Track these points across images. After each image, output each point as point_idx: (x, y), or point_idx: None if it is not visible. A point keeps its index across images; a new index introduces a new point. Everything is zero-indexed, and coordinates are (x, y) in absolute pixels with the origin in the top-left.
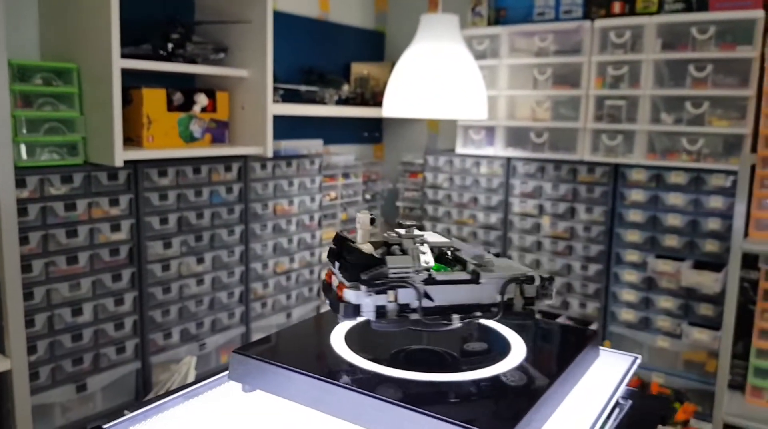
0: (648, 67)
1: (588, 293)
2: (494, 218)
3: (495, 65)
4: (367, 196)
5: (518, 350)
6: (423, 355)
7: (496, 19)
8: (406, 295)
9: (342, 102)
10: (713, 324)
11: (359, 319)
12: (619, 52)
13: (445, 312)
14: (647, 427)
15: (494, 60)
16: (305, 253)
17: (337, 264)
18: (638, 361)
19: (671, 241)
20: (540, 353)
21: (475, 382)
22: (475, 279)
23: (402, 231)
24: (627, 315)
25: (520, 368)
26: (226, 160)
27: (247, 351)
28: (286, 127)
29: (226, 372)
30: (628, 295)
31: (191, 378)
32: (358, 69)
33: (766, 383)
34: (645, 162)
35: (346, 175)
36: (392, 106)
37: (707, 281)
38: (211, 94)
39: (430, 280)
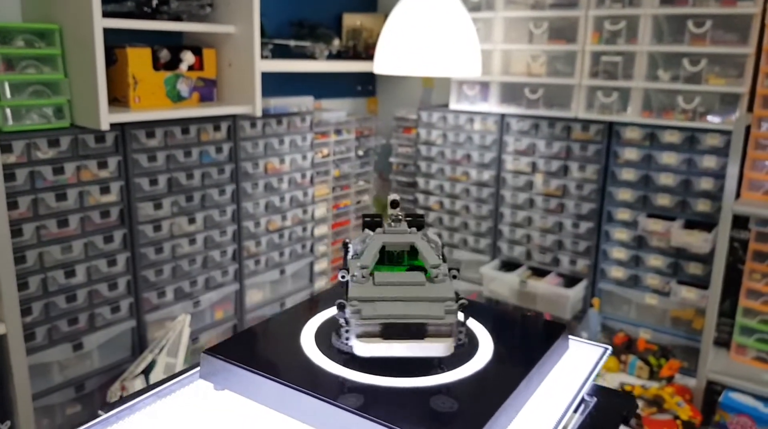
0: (646, 22)
1: (579, 251)
2: (487, 175)
3: (490, 18)
4: (360, 152)
5: (486, 349)
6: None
7: None
8: None
9: (334, 56)
10: (702, 283)
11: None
12: (616, 6)
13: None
14: (609, 426)
15: (489, 12)
16: (298, 210)
17: None
18: (608, 353)
19: (663, 200)
20: (507, 353)
21: (437, 390)
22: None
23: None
24: (617, 272)
25: (485, 372)
26: (215, 120)
27: (215, 352)
28: (275, 84)
29: (198, 369)
30: (619, 253)
31: (186, 335)
32: (351, 20)
33: (750, 341)
34: (640, 120)
35: (338, 132)
36: (384, 64)
37: (697, 241)
38: (197, 52)
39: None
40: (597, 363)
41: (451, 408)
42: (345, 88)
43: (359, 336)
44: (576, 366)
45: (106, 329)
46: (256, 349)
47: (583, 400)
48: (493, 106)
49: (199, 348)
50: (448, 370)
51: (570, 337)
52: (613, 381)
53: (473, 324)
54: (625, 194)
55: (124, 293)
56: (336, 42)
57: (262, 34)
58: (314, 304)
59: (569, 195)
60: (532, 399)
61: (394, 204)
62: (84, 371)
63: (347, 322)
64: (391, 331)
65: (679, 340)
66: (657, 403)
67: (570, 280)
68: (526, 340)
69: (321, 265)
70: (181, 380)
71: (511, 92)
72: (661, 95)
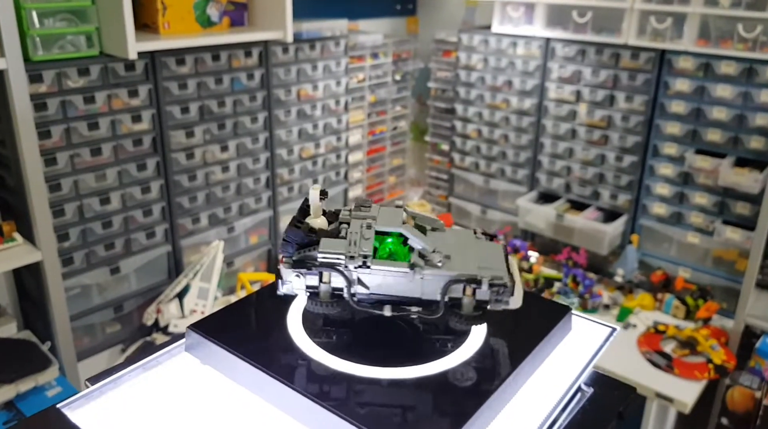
0: None
1: (620, 185)
2: (528, 103)
3: None
4: (397, 77)
5: (478, 335)
6: (385, 336)
7: None
8: (338, 280)
9: None
10: (748, 224)
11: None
12: None
13: (379, 302)
14: (602, 422)
15: None
16: (331, 137)
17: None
18: (615, 335)
19: (714, 135)
20: (501, 340)
21: (422, 381)
22: (409, 272)
23: (353, 211)
24: (659, 209)
25: (475, 360)
26: (246, 46)
27: (199, 328)
28: (308, 4)
29: (184, 341)
30: (662, 189)
31: (219, 261)
32: None
33: None
34: (694, 49)
35: (374, 56)
36: None
37: (747, 181)
38: None
39: (363, 267)
40: (600, 347)
41: (428, 405)
42: (383, 6)
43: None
44: (577, 349)
45: (142, 254)
46: (239, 326)
47: (579, 390)
48: (537, 29)
49: (234, 272)
50: (435, 359)
51: (576, 313)
52: (647, 319)
53: None
54: (673, 128)
55: (158, 219)
56: None
57: None
58: None
59: (614, 127)
60: (524, 386)
61: (323, 195)
62: (122, 293)
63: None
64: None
65: (719, 281)
66: (690, 344)
67: (609, 215)
68: (524, 325)
69: (355, 192)
70: (170, 350)
71: (557, 15)
72: (720, 22)
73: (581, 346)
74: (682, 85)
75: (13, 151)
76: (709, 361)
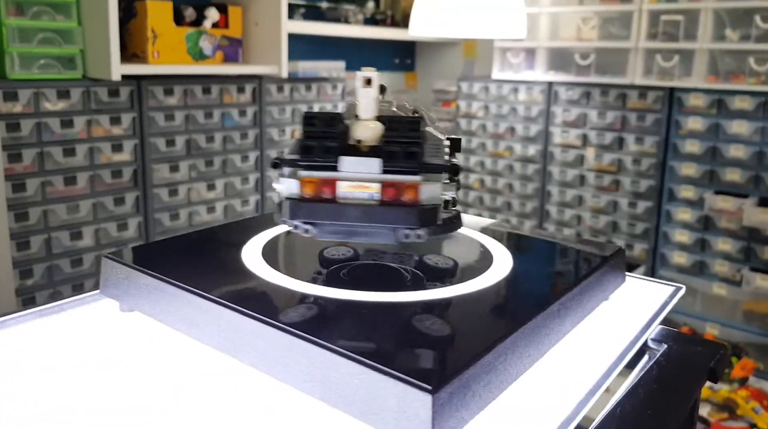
0: None
1: (635, 233)
2: (533, 150)
3: None
4: None
5: (500, 266)
6: (370, 270)
7: None
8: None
9: (369, 22)
10: None
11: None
12: None
13: None
14: (689, 382)
15: None
16: None
17: (350, 159)
18: (681, 293)
19: (733, 175)
20: (531, 273)
21: (427, 305)
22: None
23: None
24: (679, 258)
25: (491, 292)
26: (239, 80)
27: (121, 257)
28: (306, 49)
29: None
30: (681, 236)
31: None
32: None
33: None
34: (705, 85)
35: None
36: (420, 24)
37: None
38: (223, 9)
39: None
40: (666, 303)
41: (435, 331)
42: (382, 59)
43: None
44: (636, 305)
45: None
46: (179, 256)
47: (646, 347)
48: (539, 74)
49: None
50: (438, 286)
51: (630, 274)
52: None
53: (489, 242)
54: (688, 169)
55: None
56: (370, 5)
57: None
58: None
59: (625, 171)
60: (566, 342)
61: (383, 89)
62: None
63: None
64: None
65: (753, 337)
66: (729, 407)
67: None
68: (563, 263)
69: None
70: (83, 298)
71: (559, 59)
72: (729, 57)
73: (639, 302)
74: (694, 123)
75: None
76: (753, 425)
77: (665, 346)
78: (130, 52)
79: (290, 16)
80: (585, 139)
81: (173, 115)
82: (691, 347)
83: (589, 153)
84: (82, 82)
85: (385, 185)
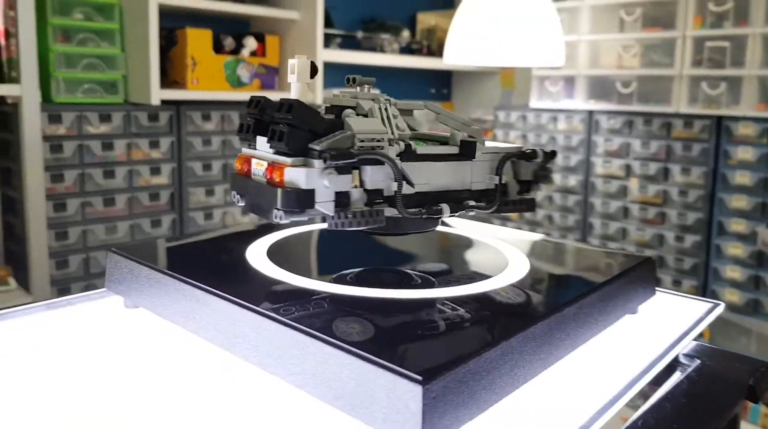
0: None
1: (683, 269)
2: (574, 181)
3: (575, 7)
4: None
5: (515, 270)
6: (378, 273)
7: None
8: (377, 177)
9: (405, 51)
10: None
11: (307, 220)
12: None
13: (428, 202)
14: (723, 398)
15: (575, 1)
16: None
17: (260, 138)
18: (719, 309)
19: None
20: (547, 276)
21: (430, 302)
22: (469, 153)
23: (357, 89)
24: (731, 296)
25: (501, 292)
26: None
27: (125, 250)
28: (341, 77)
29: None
30: (733, 273)
31: None
32: (425, 19)
33: None
34: (755, 113)
35: None
36: (455, 53)
37: None
38: (260, 38)
39: (409, 155)
40: (702, 318)
41: (433, 325)
42: (417, 89)
43: None
44: (667, 320)
45: None
46: (182, 252)
47: (677, 363)
48: (579, 102)
49: None
50: (445, 286)
51: (661, 289)
52: None
53: (501, 245)
54: (739, 201)
55: None
56: (405, 34)
57: (330, 27)
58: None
59: (671, 202)
60: (587, 351)
61: (314, 70)
62: None
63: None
64: None
65: None
66: None
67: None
68: (582, 268)
69: None
70: (90, 294)
71: (599, 87)
72: None
73: (671, 316)
74: (744, 153)
75: (19, 191)
76: None
77: (698, 361)
78: (170, 79)
79: (326, 45)
80: (628, 169)
81: (210, 140)
82: (728, 363)
83: (633, 184)
84: (124, 107)
85: (268, 165)
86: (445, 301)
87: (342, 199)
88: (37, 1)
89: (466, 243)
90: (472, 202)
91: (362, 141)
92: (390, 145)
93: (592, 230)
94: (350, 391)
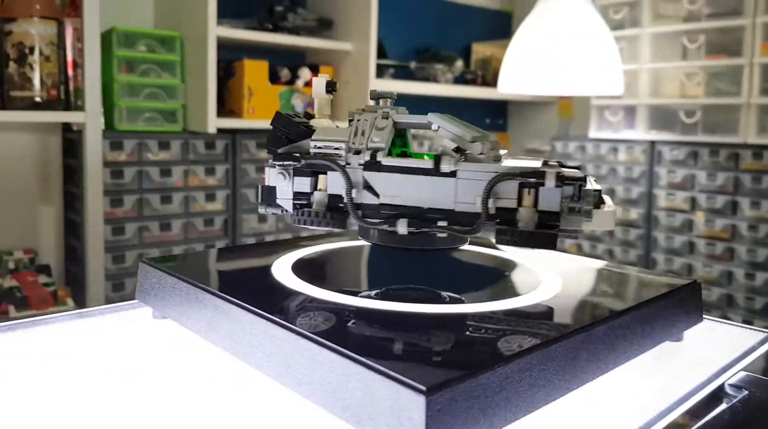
0: None
1: (754, 308)
2: (635, 214)
3: (635, 35)
4: None
5: (545, 289)
6: (402, 290)
7: None
8: (338, 183)
9: (459, 81)
10: None
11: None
12: None
13: (393, 216)
14: None
15: (634, 29)
16: None
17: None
18: None
19: None
20: (579, 295)
21: (447, 317)
22: (437, 167)
23: (374, 103)
24: None
25: (525, 310)
26: None
27: (156, 261)
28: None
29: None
30: None
31: None
32: (480, 50)
33: None
34: None
35: None
36: (508, 81)
37: None
38: (314, 69)
39: (373, 166)
40: (753, 348)
41: (446, 338)
42: (472, 119)
43: (596, 205)
44: (715, 348)
45: None
46: (212, 265)
47: (723, 394)
48: (640, 133)
49: None
50: (470, 302)
51: (708, 317)
52: None
53: (539, 267)
54: None
55: None
56: (459, 64)
57: (384, 57)
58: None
59: (740, 238)
60: (620, 376)
61: (331, 87)
62: None
63: (579, 196)
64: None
65: None
66: None
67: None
68: (619, 288)
69: None
70: (122, 305)
71: (662, 117)
72: None
73: (721, 345)
74: None
75: (81, 215)
76: None
77: (746, 392)
78: (228, 108)
79: (380, 75)
80: (693, 202)
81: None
82: None
83: (699, 217)
84: (182, 135)
85: None
86: (465, 316)
87: (301, 199)
88: (104, 33)
89: (500, 262)
90: (442, 223)
91: (318, 147)
92: (355, 154)
93: (656, 266)
94: (357, 402)
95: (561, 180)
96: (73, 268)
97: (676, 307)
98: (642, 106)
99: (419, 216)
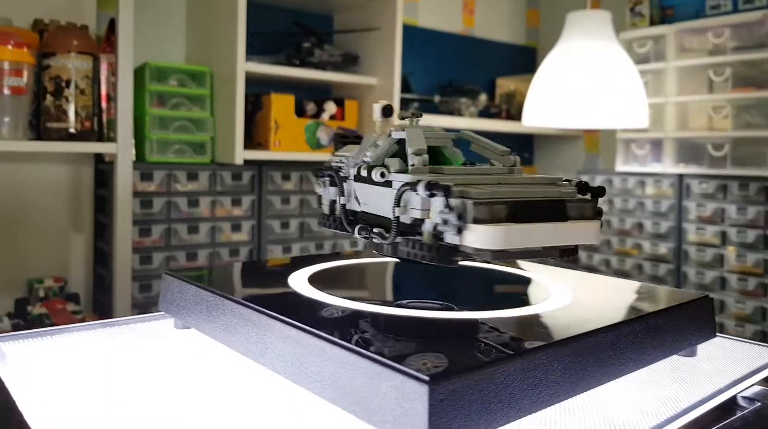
0: None
1: None
2: (664, 248)
3: (660, 69)
4: None
5: (556, 299)
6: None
7: (662, 19)
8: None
9: (484, 115)
10: None
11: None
12: None
13: (367, 223)
14: None
15: (659, 63)
16: None
17: None
18: None
19: None
20: (588, 306)
21: (458, 322)
22: (381, 180)
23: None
24: None
25: (534, 317)
26: None
27: (178, 271)
28: None
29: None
30: None
31: None
32: (505, 84)
33: None
34: None
35: None
36: (532, 115)
37: None
38: (340, 103)
39: (357, 178)
40: (766, 364)
41: (454, 339)
42: None
43: (479, 219)
44: (728, 363)
45: None
46: (239, 278)
47: (736, 406)
48: (668, 166)
49: None
50: (474, 310)
51: (722, 335)
52: None
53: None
54: None
55: None
56: (483, 97)
57: (408, 91)
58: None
59: None
60: (630, 384)
61: (387, 111)
62: None
63: (449, 206)
64: (521, 211)
65: None
66: None
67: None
68: (628, 300)
69: None
70: (147, 316)
71: (689, 150)
72: None
73: (734, 360)
74: None
75: (110, 244)
76: None
77: (759, 404)
78: (255, 141)
79: (403, 108)
80: (724, 236)
81: (289, 199)
82: None
83: (730, 252)
84: (210, 166)
85: None
86: (474, 321)
87: (333, 206)
88: (137, 68)
89: (512, 277)
90: (376, 230)
91: (334, 162)
92: (353, 167)
93: None
94: (364, 395)
95: (431, 188)
96: (101, 297)
97: (686, 320)
98: (669, 140)
99: (379, 224)
